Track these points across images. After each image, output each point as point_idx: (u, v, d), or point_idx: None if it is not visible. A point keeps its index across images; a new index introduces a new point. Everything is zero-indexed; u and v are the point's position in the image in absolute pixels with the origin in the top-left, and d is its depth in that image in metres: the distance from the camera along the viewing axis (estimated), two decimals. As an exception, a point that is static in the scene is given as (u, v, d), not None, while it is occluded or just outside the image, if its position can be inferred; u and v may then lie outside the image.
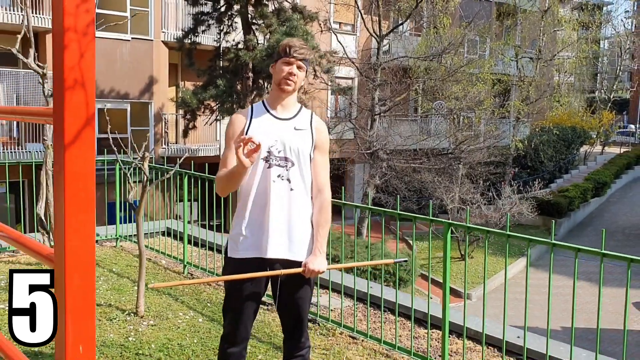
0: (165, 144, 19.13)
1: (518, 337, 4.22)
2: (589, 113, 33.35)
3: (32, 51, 5.72)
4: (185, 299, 5.16)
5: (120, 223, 7.26)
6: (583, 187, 25.21)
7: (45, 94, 5.80)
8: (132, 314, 4.69)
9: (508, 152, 24.51)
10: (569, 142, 28.53)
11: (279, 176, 2.67)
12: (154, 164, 6.61)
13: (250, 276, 2.65)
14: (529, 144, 25.74)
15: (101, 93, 17.40)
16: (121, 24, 17.22)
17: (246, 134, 2.67)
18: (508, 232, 3.45)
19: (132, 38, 17.63)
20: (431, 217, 3.83)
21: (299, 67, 2.68)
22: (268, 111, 2.75)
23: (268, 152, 2.66)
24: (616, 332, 14.32)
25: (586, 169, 30.13)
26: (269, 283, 2.81)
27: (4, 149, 15.51)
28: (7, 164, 6.95)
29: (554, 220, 3.35)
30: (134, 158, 4.75)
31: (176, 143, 19.40)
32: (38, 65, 5.87)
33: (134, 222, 7.49)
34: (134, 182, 4.89)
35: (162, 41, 18.21)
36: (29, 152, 15.09)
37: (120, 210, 7.26)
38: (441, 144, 21.54)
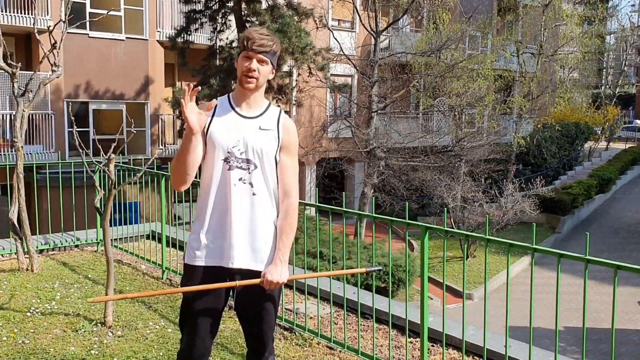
0: (162, 145, 18.95)
1: (504, 346, 3.97)
2: (593, 108, 32.95)
3: (0, 49, 5.50)
4: (159, 306, 4.93)
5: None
6: (587, 183, 24.88)
7: (16, 94, 5.58)
8: (100, 324, 4.47)
9: (510, 149, 24.20)
10: (573, 138, 28.15)
11: (240, 179, 2.45)
12: (131, 165, 6.38)
13: (205, 287, 2.44)
14: (531, 141, 25.42)
15: (96, 94, 17.23)
16: (116, 24, 17.06)
17: (207, 130, 2.46)
18: (487, 237, 3.20)
19: (126, 38, 17.44)
20: (407, 221, 3.58)
21: (260, 61, 2.43)
22: (233, 108, 2.51)
23: (229, 152, 2.43)
24: (620, 332, 14.04)
25: (590, 165, 29.77)
26: (230, 294, 2.58)
27: (-2, 151, 15.38)
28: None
29: (534, 224, 3.10)
30: (96, 161, 4.52)
31: (173, 144, 19.21)
32: (9, 65, 5.66)
33: (118, 225, 7.31)
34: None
35: (157, 40, 18.00)
36: (24, 154, 14.92)
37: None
38: (441, 141, 21.25)
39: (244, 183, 2.45)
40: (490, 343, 3.81)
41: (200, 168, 2.53)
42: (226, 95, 2.57)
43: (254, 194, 2.46)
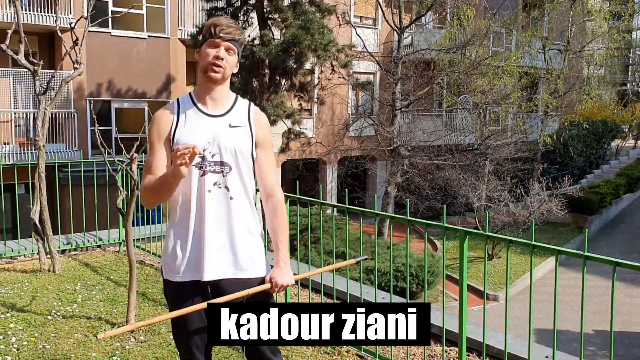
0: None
1: (546, 357, 3.75)
2: (620, 106, 32.30)
3: (22, 47, 5.40)
4: (182, 310, 4.78)
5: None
6: (615, 182, 24.33)
7: (37, 92, 5.49)
8: (122, 329, 4.33)
9: (536, 147, 23.73)
10: (600, 136, 27.59)
11: (215, 184, 2.25)
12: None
13: (218, 301, 2.22)
14: (558, 139, 24.91)
15: (118, 92, 17.24)
16: (138, 23, 17.05)
17: (174, 134, 2.27)
18: (533, 242, 2.98)
19: (148, 36, 17.41)
20: (445, 225, 3.37)
21: (227, 50, 2.24)
22: (196, 106, 2.30)
23: (201, 157, 2.23)
24: (652, 336, 13.60)
25: (618, 163, 29.14)
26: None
27: (22, 150, 15.45)
28: (15, 165, 6.70)
29: (586, 229, 2.87)
30: (119, 160, 4.38)
31: (195, 142, 19.15)
32: (31, 63, 5.56)
33: (140, 224, 7.20)
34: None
35: (179, 39, 17.96)
36: (47, 152, 14.98)
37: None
38: (466, 139, 20.91)
39: (220, 187, 2.26)
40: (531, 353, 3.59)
41: None
42: (187, 94, 2.37)
43: (231, 198, 2.27)
